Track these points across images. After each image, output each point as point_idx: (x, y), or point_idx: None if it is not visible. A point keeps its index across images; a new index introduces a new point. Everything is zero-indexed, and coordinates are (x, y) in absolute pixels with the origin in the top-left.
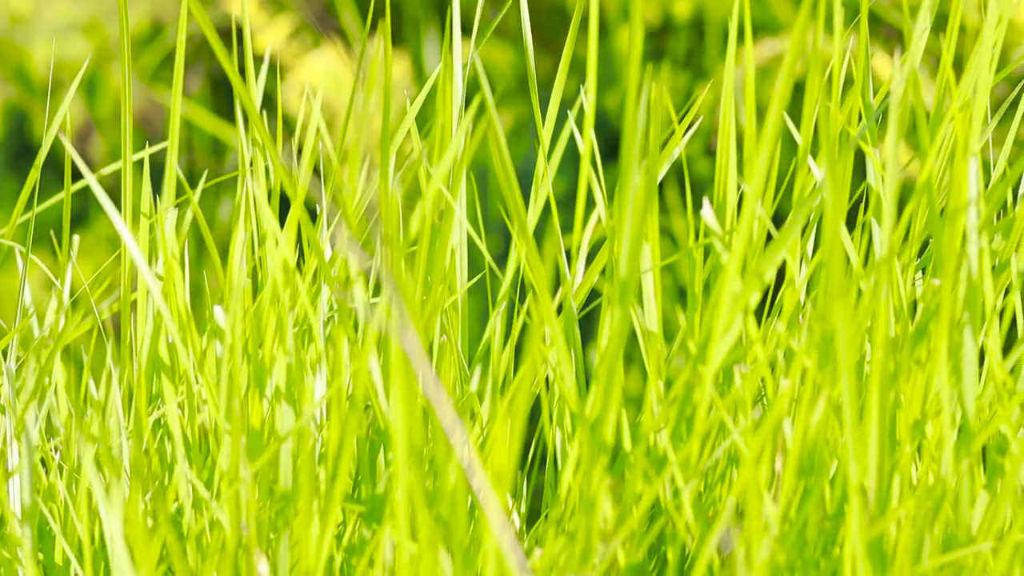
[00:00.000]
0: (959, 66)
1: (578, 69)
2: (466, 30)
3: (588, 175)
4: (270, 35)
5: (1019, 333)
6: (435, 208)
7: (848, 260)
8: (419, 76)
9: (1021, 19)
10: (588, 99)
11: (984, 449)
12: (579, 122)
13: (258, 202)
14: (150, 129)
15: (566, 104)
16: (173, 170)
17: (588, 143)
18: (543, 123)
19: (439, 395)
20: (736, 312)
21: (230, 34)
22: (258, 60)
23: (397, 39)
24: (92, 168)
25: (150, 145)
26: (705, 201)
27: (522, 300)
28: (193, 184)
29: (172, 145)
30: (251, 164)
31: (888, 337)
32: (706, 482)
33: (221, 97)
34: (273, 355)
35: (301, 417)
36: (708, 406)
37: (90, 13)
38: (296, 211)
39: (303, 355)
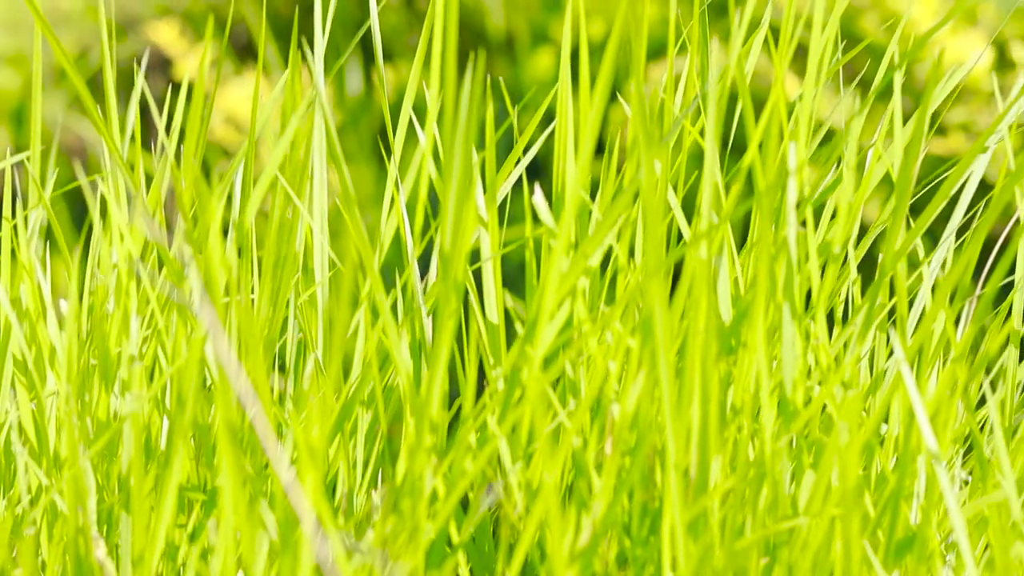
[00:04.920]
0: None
1: (497, 93)
2: (387, 56)
3: (427, 171)
4: (192, 63)
5: (851, 315)
6: (283, 203)
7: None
8: (341, 100)
9: (924, 31)
10: (431, 97)
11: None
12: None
13: (107, 200)
14: (82, 161)
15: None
16: (44, 166)
17: (430, 135)
18: (394, 135)
19: (238, 377)
20: (564, 293)
21: (152, 64)
22: (180, 87)
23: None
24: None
25: (81, 175)
26: (537, 187)
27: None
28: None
29: (34, 145)
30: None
31: (717, 315)
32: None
33: (147, 123)
34: (119, 348)
35: (138, 404)
36: (537, 386)
37: (17, 45)
38: (139, 208)
39: (150, 346)
